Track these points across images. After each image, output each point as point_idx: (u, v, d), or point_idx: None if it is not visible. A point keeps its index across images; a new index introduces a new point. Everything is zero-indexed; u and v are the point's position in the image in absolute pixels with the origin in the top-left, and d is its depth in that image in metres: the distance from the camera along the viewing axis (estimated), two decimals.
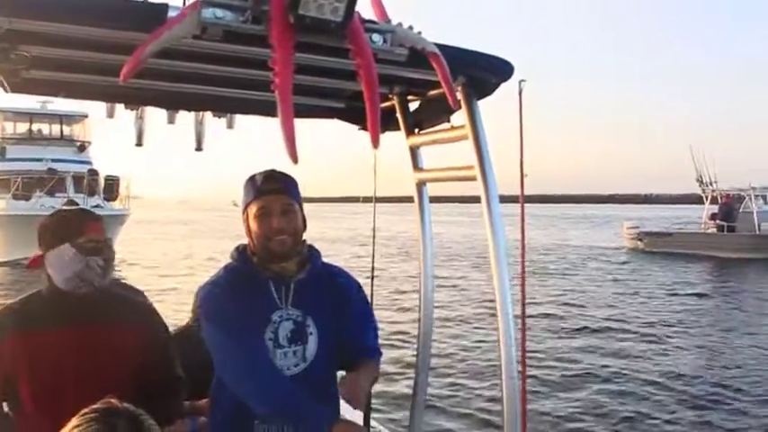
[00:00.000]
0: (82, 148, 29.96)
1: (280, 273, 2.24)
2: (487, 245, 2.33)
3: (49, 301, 2.16)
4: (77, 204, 24.91)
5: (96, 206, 25.18)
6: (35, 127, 30.19)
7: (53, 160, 27.38)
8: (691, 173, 30.39)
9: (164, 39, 1.62)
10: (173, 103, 3.06)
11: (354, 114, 3.06)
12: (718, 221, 28.75)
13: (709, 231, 29.48)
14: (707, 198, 30.26)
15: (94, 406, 1.41)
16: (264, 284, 2.23)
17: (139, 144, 3.40)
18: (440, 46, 1.93)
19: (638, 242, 31.29)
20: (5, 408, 2.20)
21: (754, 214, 27.89)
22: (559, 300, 17.55)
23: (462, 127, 2.43)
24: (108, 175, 28.40)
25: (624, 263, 27.19)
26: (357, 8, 1.72)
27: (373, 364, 2.38)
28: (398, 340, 11.53)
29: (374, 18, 1.91)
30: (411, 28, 1.89)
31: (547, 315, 15.12)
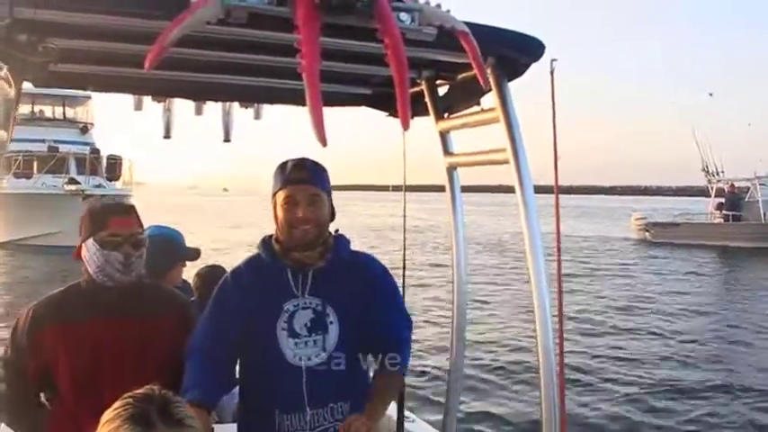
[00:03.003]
0: (85, 129, 30.02)
1: (299, 261, 2.19)
2: (514, 233, 2.21)
3: (87, 292, 2.17)
4: (78, 183, 24.92)
5: (98, 185, 25.21)
6: (37, 108, 30.10)
7: (55, 141, 27.32)
8: (693, 164, 30.28)
9: (187, 23, 1.59)
10: (200, 94, 3.06)
11: (383, 101, 3.06)
12: (724, 211, 28.67)
13: (716, 221, 29.38)
14: (712, 188, 30.16)
15: (134, 392, 1.44)
16: (282, 273, 2.20)
17: (167, 136, 3.39)
18: (468, 24, 1.88)
19: (646, 233, 31.24)
20: (42, 398, 2.22)
21: (760, 203, 27.81)
22: (573, 291, 17.35)
23: (493, 109, 2.35)
24: (110, 155, 28.47)
25: (632, 253, 27.17)
26: None
27: (395, 376, 2.28)
28: (431, 329, 11.49)
29: None
30: (439, 6, 1.84)
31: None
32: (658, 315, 14.44)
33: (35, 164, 26.09)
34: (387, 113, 3.13)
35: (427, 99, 2.81)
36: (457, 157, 2.90)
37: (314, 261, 2.20)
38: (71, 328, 2.10)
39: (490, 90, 2.32)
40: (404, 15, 1.78)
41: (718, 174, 29.86)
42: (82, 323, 2.11)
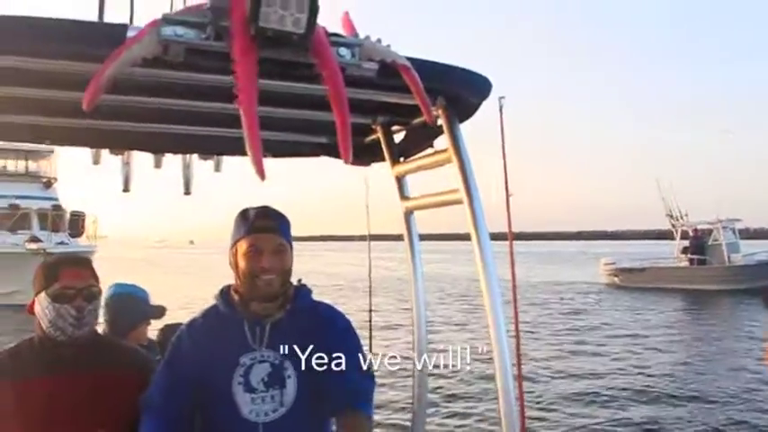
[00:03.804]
0: (48, 184, 29.75)
1: (257, 312, 2.12)
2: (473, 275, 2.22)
3: (39, 348, 2.10)
4: (40, 241, 24.52)
5: (61, 242, 24.74)
6: (0, 163, 29.56)
7: (17, 197, 26.94)
8: (655, 208, 30.77)
9: (124, 59, 1.57)
10: (159, 146, 3.01)
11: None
12: (689, 255, 29.04)
13: (681, 265, 29.73)
14: (677, 232, 30.58)
15: None
16: (239, 325, 2.12)
17: (126, 190, 3.32)
18: (413, 60, 1.88)
19: (615, 278, 31.54)
20: None
21: (723, 246, 28.26)
22: (542, 336, 17.42)
23: (445, 150, 2.36)
24: (73, 211, 28.18)
25: (601, 297, 27.32)
26: (325, 24, 1.71)
27: (361, 417, 2.15)
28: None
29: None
30: (380, 41, 1.84)
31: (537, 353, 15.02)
32: (629, 355, 14.59)
33: None
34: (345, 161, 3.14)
35: (383, 144, 2.82)
36: (413, 200, 2.89)
37: (273, 312, 2.12)
38: (23, 386, 2.01)
39: (442, 133, 2.33)
40: (343, 50, 1.78)
41: (682, 218, 30.31)
42: (34, 380, 2.02)
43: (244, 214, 2.15)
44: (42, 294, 2.07)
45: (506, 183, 3.31)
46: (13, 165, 29.94)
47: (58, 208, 27.73)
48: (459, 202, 2.30)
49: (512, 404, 2.19)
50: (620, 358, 14.33)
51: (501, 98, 3.05)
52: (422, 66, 1.91)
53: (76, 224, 27.86)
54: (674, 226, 30.79)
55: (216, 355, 2.09)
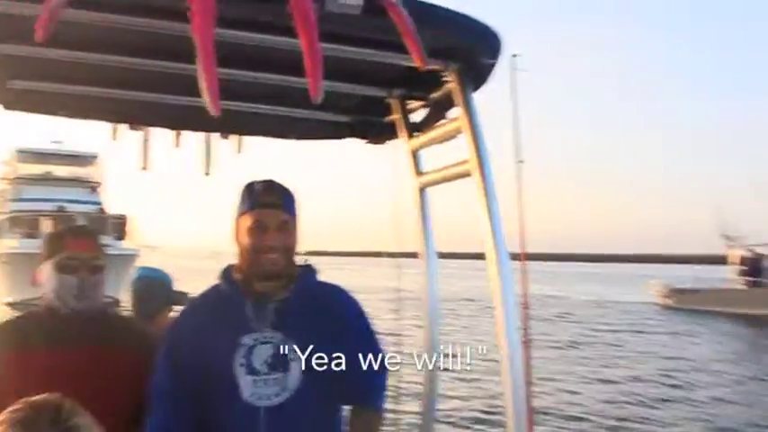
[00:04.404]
0: (94, 188, 30.90)
1: (259, 291, 2.05)
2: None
3: (43, 320, 2.09)
4: None
5: (104, 245, 25.14)
6: (49, 168, 30.92)
7: (63, 201, 27.95)
8: (707, 231, 30.32)
9: None
10: (178, 122, 2.93)
11: (363, 127, 2.99)
12: (746, 278, 28.46)
13: (737, 287, 29.05)
14: (733, 254, 29.95)
15: (34, 397, 1.41)
16: (240, 305, 2.04)
17: (145, 168, 3.27)
18: (417, 3, 1.76)
19: (668, 299, 31.05)
20: None
21: None
22: (590, 355, 17.24)
23: (456, 119, 2.25)
24: (116, 214, 29.03)
25: (652, 318, 26.91)
26: None
27: (376, 414, 2.16)
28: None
29: None
30: None
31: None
32: (677, 376, 14.35)
33: (41, 223, 26.33)
34: (367, 140, 3.02)
35: (398, 118, 2.72)
36: (426, 175, 2.75)
37: (276, 292, 2.04)
38: (26, 358, 1.98)
39: (456, 105, 2.20)
40: None
41: (738, 239, 29.64)
42: (38, 353, 1.99)
43: (249, 188, 2.08)
44: (47, 263, 2.05)
45: (517, 150, 2.99)
46: (61, 170, 31.17)
47: (102, 211, 28.52)
48: (468, 174, 2.17)
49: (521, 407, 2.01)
50: (667, 379, 14.06)
51: (514, 56, 2.70)
52: (419, 9, 1.74)
53: (119, 227, 28.51)
54: (729, 248, 30.21)
55: (216, 336, 2.01)
